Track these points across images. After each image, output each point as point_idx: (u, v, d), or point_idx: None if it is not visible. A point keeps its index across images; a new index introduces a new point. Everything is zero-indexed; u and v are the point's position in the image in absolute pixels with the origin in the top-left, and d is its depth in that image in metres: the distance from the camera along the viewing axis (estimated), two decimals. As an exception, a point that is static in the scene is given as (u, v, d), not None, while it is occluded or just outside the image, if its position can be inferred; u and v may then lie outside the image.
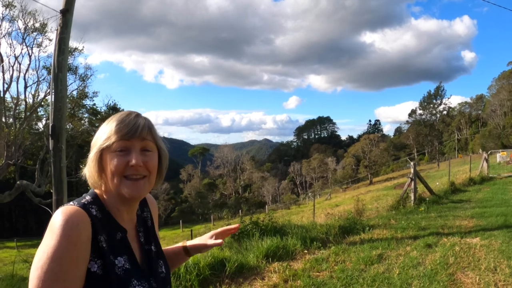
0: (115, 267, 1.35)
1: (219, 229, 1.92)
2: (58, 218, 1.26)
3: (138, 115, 1.46)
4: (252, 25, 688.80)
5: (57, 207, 10.03)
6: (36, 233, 56.35)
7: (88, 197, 1.41)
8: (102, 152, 1.39)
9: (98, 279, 1.31)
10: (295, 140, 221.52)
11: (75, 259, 1.24)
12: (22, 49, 30.06)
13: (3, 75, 29.03)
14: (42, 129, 37.49)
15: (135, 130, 1.39)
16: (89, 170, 1.42)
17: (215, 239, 1.87)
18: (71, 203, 1.36)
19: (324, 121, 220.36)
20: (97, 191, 1.45)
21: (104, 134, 1.39)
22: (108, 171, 1.38)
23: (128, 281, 1.37)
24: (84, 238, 1.27)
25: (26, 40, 29.99)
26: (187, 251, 1.89)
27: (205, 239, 1.88)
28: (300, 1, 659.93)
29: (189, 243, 1.91)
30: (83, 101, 39.51)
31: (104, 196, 1.44)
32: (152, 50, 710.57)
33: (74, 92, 35.86)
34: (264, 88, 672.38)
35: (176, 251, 1.90)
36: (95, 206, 1.39)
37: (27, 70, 30.66)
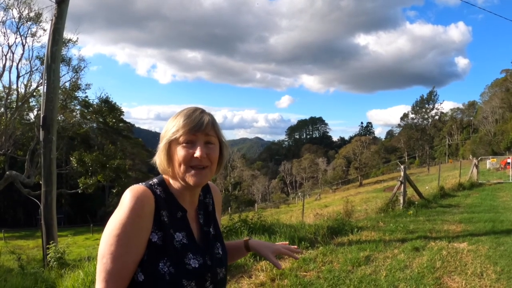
0: (173, 240, 1.52)
1: (284, 247, 2.06)
2: (127, 195, 1.46)
3: (203, 111, 1.62)
4: (246, 23, 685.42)
5: (46, 199, 10.05)
6: (24, 224, 56.01)
7: (155, 180, 1.61)
8: (170, 144, 1.56)
9: (157, 248, 1.48)
10: (286, 139, 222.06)
11: (138, 229, 1.43)
12: (16, 38, 30.02)
13: (-4, 64, 28.87)
14: (33, 119, 37.44)
15: (200, 125, 1.55)
16: (159, 158, 1.61)
17: (277, 253, 2.03)
18: (140, 184, 1.56)
19: (316, 122, 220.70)
20: (164, 176, 1.64)
21: (173, 128, 1.55)
22: (175, 160, 1.55)
23: (184, 254, 1.53)
24: (147, 212, 1.46)
25: (20, 30, 29.91)
26: (248, 247, 2.04)
27: (269, 249, 2.02)
28: (295, 0, 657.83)
29: (253, 241, 2.07)
30: (76, 93, 39.51)
31: (170, 181, 1.63)
32: (145, 44, 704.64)
33: (67, 84, 35.87)
34: (257, 86, 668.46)
35: (237, 245, 2.06)
36: (160, 187, 1.58)
37: (20, 59, 30.63)
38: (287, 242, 2.16)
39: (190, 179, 1.54)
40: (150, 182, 1.58)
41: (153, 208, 1.48)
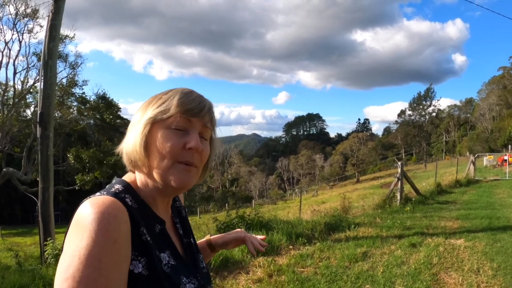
0: (161, 263, 1.11)
1: (251, 240, 1.71)
2: (88, 212, 0.97)
3: (202, 95, 1.23)
4: (242, 19, 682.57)
5: (43, 195, 10.03)
6: (21, 221, 56.06)
7: (117, 186, 1.15)
8: (152, 126, 1.13)
9: (144, 281, 1.04)
10: (283, 135, 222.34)
11: (117, 260, 0.96)
12: (13, 34, 29.80)
13: (-8, 60, 28.80)
14: (30, 116, 37.34)
15: (201, 109, 1.17)
16: (132, 146, 1.15)
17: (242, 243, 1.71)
18: (98, 193, 1.10)
19: (314, 118, 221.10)
20: (127, 179, 1.21)
21: (161, 106, 1.14)
22: (158, 150, 1.12)
23: (178, 279, 1.14)
24: (123, 233, 0.99)
25: (17, 26, 29.77)
26: (212, 247, 1.67)
27: (239, 239, 1.70)
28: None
29: (215, 238, 1.69)
30: (73, 89, 39.36)
31: (138, 183, 1.19)
32: (141, 40, 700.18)
33: (64, 80, 35.67)
34: (253, 82, 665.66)
35: (201, 247, 1.62)
36: (128, 195, 1.13)
37: (17, 56, 30.42)
38: (264, 237, 1.81)
39: (173, 179, 1.12)
40: (113, 190, 1.12)
41: (129, 225, 1.02)
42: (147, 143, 1.13)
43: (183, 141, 1.12)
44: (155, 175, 1.14)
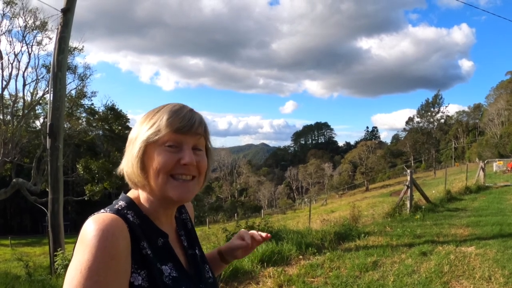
0: (162, 276, 1.17)
1: (251, 231, 1.66)
2: (90, 228, 1.07)
3: (192, 109, 1.28)
4: (246, 28, 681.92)
5: (52, 206, 10.06)
6: (30, 231, 56.33)
7: (121, 203, 1.24)
8: (146, 147, 1.20)
9: None
10: (292, 145, 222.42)
11: (115, 274, 1.05)
12: (22, 47, 30.28)
13: (2, 72, 29.33)
14: (40, 127, 37.63)
15: (191, 124, 1.22)
16: (130, 167, 1.23)
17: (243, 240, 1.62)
18: (102, 210, 1.18)
19: (322, 127, 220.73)
20: (131, 195, 1.28)
21: (152, 128, 1.20)
22: (153, 168, 1.19)
23: None
24: (123, 248, 1.08)
25: (26, 38, 30.18)
26: (223, 257, 1.66)
27: (234, 239, 1.65)
28: (296, 5, 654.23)
29: (223, 248, 1.67)
30: (82, 101, 39.75)
31: (141, 199, 1.27)
32: (147, 51, 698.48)
33: (73, 92, 36.03)
34: (260, 92, 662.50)
35: (211, 258, 1.65)
36: (130, 211, 1.21)
37: (26, 68, 30.91)
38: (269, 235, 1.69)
39: (172, 193, 1.20)
40: (117, 206, 1.21)
41: (129, 241, 1.11)
42: (144, 164, 1.21)
43: (177, 157, 1.20)
44: (155, 191, 1.22)
